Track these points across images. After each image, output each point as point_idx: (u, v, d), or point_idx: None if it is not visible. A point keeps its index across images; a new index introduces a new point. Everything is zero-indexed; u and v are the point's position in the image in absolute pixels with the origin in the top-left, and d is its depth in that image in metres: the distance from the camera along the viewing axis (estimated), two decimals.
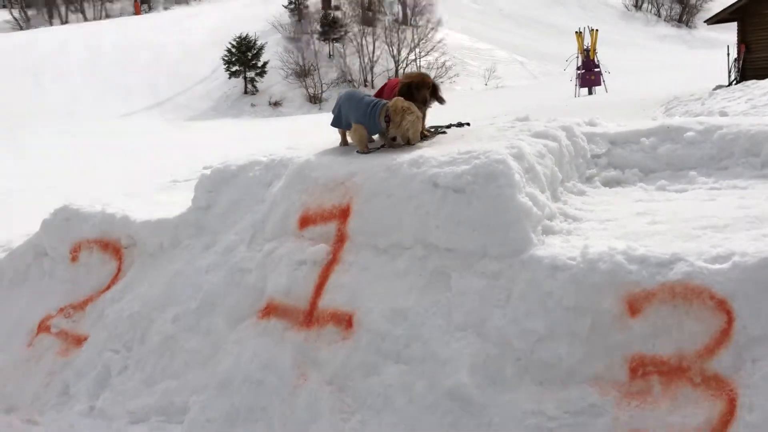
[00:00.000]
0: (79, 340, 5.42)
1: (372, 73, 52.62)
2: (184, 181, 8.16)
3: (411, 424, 3.68)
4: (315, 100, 50.26)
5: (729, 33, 29.65)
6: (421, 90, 5.01)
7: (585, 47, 37.18)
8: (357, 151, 4.96)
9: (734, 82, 26.52)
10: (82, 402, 4.96)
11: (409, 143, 4.81)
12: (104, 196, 7.02)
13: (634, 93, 27.84)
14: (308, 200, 4.74)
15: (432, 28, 54.93)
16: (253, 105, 49.44)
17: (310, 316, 4.34)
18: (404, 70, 52.05)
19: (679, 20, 77.42)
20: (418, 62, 53.03)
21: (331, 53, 54.31)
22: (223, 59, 50.43)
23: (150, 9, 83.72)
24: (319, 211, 4.65)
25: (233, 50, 50.38)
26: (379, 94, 5.35)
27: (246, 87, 50.89)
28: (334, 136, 5.50)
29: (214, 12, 66.91)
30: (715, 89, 24.09)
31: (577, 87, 36.23)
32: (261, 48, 50.83)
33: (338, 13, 56.57)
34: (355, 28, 54.85)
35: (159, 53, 56.30)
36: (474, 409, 3.59)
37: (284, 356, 4.26)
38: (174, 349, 4.76)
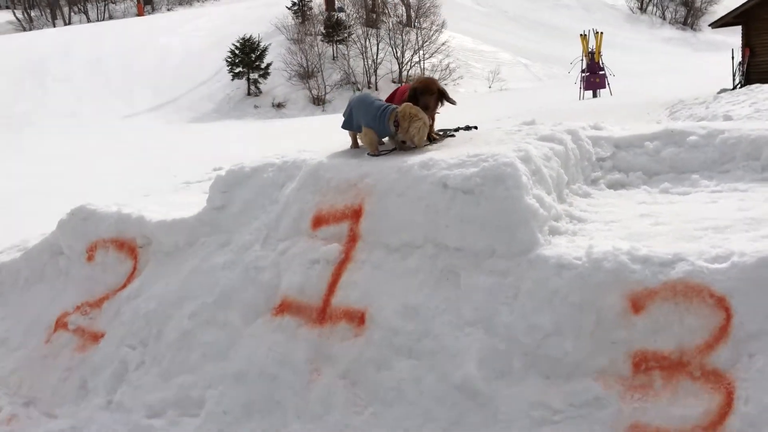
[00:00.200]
0: (95, 337, 5.56)
1: (376, 75, 52.80)
2: (196, 183, 8.36)
3: (422, 416, 3.83)
4: (318, 101, 50.43)
5: (734, 36, 29.75)
6: (424, 95, 5.15)
7: (590, 50, 37.27)
8: (368, 154, 5.10)
9: (739, 85, 26.62)
10: (100, 396, 5.09)
11: (415, 147, 4.97)
12: (116, 197, 7.15)
13: (638, 96, 27.94)
14: (321, 201, 4.88)
15: (436, 30, 55.08)
16: (256, 107, 49.61)
17: (323, 313, 4.48)
18: (408, 72, 52.20)
19: (684, 23, 77.56)
20: (422, 64, 53.21)
21: (335, 55, 54.42)
22: (227, 61, 50.63)
23: (153, 10, 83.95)
24: (331, 212, 4.79)
25: (237, 52, 50.58)
26: (391, 99, 5.50)
27: (249, 89, 51.09)
28: (339, 138, 5.65)
29: (217, 13, 67.13)
30: (719, 93, 24.21)
31: (582, 90, 36.32)
32: (264, 49, 51.01)
33: (342, 15, 56.69)
34: (359, 30, 54.96)
35: (162, 54, 56.51)
36: (482, 401, 3.73)
37: (298, 352, 4.40)
38: (190, 344, 4.89)
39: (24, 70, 53.40)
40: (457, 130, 5.67)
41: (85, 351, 5.51)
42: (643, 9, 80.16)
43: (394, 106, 5.04)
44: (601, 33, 38.33)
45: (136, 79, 52.97)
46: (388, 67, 53.56)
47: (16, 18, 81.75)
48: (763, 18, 27.42)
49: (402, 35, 54.20)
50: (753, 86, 23.06)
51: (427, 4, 58.53)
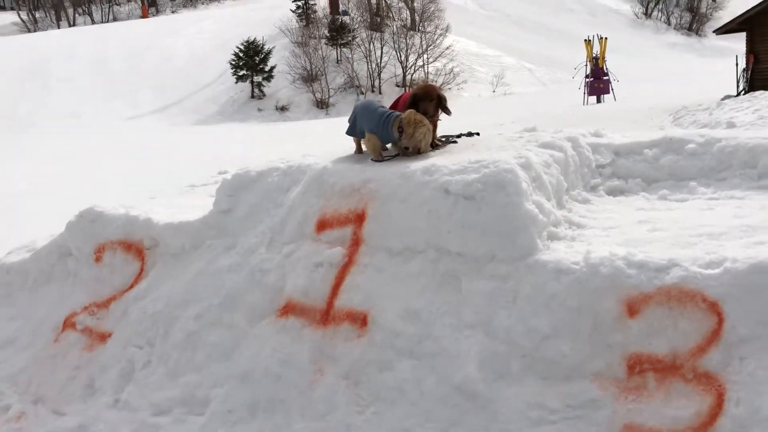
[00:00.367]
0: (103, 337, 5.67)
1: (379, 79, 52.88)
2: (201, 186, 8.50)
3: (422, 416, 3.93)
4: (322, 105, 50.54)
5: (740, 42, 29.78)
6: (424, 101, 5.25)
7: (594, 55, 37.34)
8: (371, 159, 5.20)
9: (743, 92, 26.66)
10: (107, 394, 5.20)
11: (419, 153, 5.07)
12: (120, 199, 7.27)
13: (642, 102, 28.01)
14: (325, 205, 4.98)
15: (440, 34, 55.18)
16: (259, 109, 49.72)
17: (326, 315, 4.58)
18: (412, 76, 52.30)
19: (689, 29, 77.59)
20: (426, 68, 53.32)
21: (339, 58, 54.53)
22: (231, 63, 50.77)
23: (157, 12, 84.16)
24: (335, 216, 4.89)
25: (241, 54, 50.71)
26: (394, 106, 5.60)
27: (253, 91, 51.21)
28: (343, 143, 5.75)
29: (221, 16, 67.30)
30: (723, 99, 24.25)
31: (586, 95, 36.40)
32: (268, 52, 51.13)
33: (346, 19, 56.81)
34: (363, 34, 55.07)
35: (166, 57, 56.68)
36: (481, 402, 3.83)
37: (302, 352, 4.50)
38: (196, 344, 5.00)
39: (28, 71, 53.60)
40: (459, 136, 5.77)
41: (92, 350, 5.61)
42: (648, 14, 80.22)
43: (397, 113, 5.14)
44: (606, 38, 38.40)
45: (139, 80, 53.15)
46: (391, 70, 53.67)
47: (21, 19, 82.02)
48: (767, 25, 27.47)
49: (406, 39, 54.32)
50: (757, 93, 23.11)
51: (432, 8, 58.70)
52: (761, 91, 23.42)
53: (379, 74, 53.27)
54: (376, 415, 4.06)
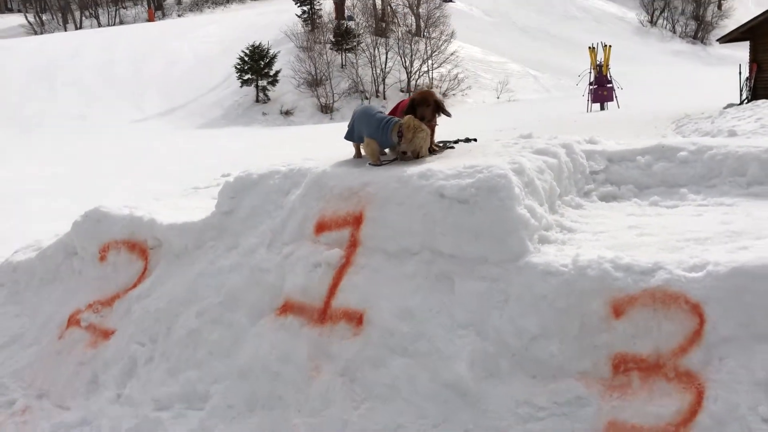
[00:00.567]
0: (106, 334, 5.80)
1: (384, 84, 52.98)
2: (204, 188, 8.64)
3: (415, 412, 4.06)
4: (326, 109, 50.63)
5: (744, 51, 29.85)
6: (421, 106, 5.40)
7: (598, 63, 37.46)
8: (369, 164, 5.33)
9: (745, 101, 26.74)
10: (110, 390, 5.33)
11: (418, 157, 5.21)
12: (124, 200, 7.40)
13: (646, 109, 28.13)
14: (324, 207, 5.12)
15: (445, 40, 55.27)
16: (264, 114, 49.83)
17: (324, 314, 4.72)
18: (416, 81, 52.42)
19: (695, 37, 77.57)
20: (430, 74, 53.42)
21: (344, 63, 54.65)
22: (236, 67, 50.89)
23: (164, 16, 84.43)
24: (334, 218, 5.03)
25: (246, 58, 50.81)
26: (393, 112, 5.75)
27: (258, 95, 51.33)
28: (342, 147, 5.89)
29: (227, 20, 67.51)
30: (726, 107, 24.33)
31: (590, 102, 36.50)
32: (273, 57, 51.25)
33: (351, 24, 56.97)
34: (368, 39, 55.19)
35: (172, 60, 56.88)
36: (472, 399, 3.96)
37: (300, 350, 4.64)
38: (197, 341, 5.14)
39: (34, 73, 53.87)
40: (456, 142, 5.91)
41: (96, 347, 5.75)
42: (653, 22, 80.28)
43: (397, 118, 5.29)
44: (610, 46, 38.53)
45: (145, 84, 53.38)
46: (396, 76, 53.79)
47: (28, 21, 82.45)
48: None
49: (411, 45, 54.44)
50: (759, 102, 23.15)
51: (437, 14, 58.82)
52: (763, 100, 23.48)
53: (383, 79, 53.37)
54: (370, 410, 4.19)
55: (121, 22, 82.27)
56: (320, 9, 59.61)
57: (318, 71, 52.16)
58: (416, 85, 52.12)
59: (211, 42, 59.77)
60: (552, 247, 4.37)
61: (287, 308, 4.91)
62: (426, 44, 54.88)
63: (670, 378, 3.56)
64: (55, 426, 5.17)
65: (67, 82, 53.13)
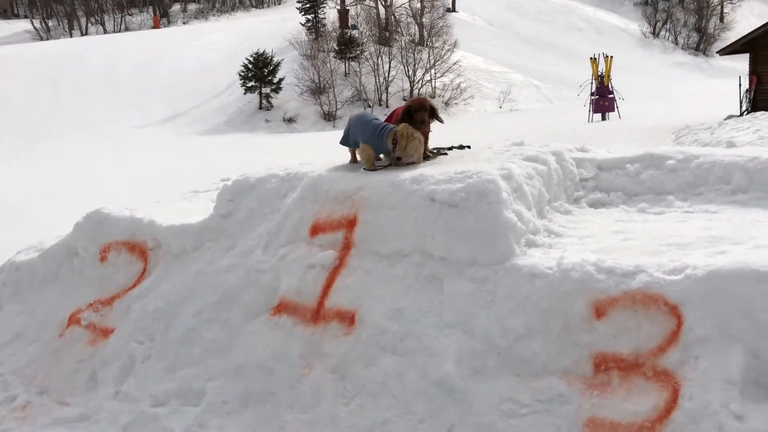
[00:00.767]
0: (106, 332, 5.94)
1: (387, 93, 53.13)
2: (204, 192, 8.76)
3: (402, 408, 4.19)
4: (329, 117, 50.73)
5: (746, 63, 29.96)
6: (419, 112, 5.55)
7: (599, 73, 37.56)
8: (364, 168, 5.48)
9: (745, 112, 26.86)
10: (108, 386, 5.46)
11: (412, 163, 5.36)
12: (126, 203, 7.53)
13: (646, 120, 28.17)
14: (319, 210, 5.27)
15: (448, 50, 55.40)
16: (267, 121, 49.91)
17: (317, 314, 4.85)
18: (419, 90, 52.58)
19: (697, 48, 77.72)
20: (433, 83, 53.54)
21: (347, 72, 54.82)
22: (240, 75, 51.01)
23: (169, 23, 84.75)
24: (328, 221, 5.17)
25: (250, 66, 50.94)
26: (389, 119, 5.90)
27: (261, 103, 51.44)
28: (339, 153, 6.04)
29: (232, 28, 67.71)
30: (726, 119, 24.43)
31: (591, 112, 36.56)
32: (277, 64, 51.37)
33: (355, 33, 57.18)
34: (372, 48, 55.37)
35: (176, 67, 57.01)
36: (458, 395, 4.08)
37: (293, 348, 4.77)
38: (194, 340, 5.27)
39: (40, 79, 54.02)
40: (450, 148, 6.06)
41: (95, 345, 5.88)
42: (655, 33, 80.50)
43: (392, 125, 5.44)
44: (611, 57, 38.62)
45: (150, 90, 53.51)
46: (399, 84, 53.91)
47: (34, 27, 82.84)
48: None
49: (414, 54, 54.53)
50: (758, 113, 23.27)
51: (440, 24, 59.01)
52: (762, 112, 23.62)
53: (386, 88, 53.50)
54: (360, 406, 4.32)
55: (127, 29, 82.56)
56: (324, 18, 59.82)
57: (321, 79, 52.31)
58: (419, 94, 52.28)
59: (216, 49, 59.97)
60: (539, 251, 4.50)
61: (282, 308, 5.05)
62: (429, 53, 54.98)
63: (648, 377, 3.68)
64: (54, 421, 5.30)
65: (72, 87, 53.28)
